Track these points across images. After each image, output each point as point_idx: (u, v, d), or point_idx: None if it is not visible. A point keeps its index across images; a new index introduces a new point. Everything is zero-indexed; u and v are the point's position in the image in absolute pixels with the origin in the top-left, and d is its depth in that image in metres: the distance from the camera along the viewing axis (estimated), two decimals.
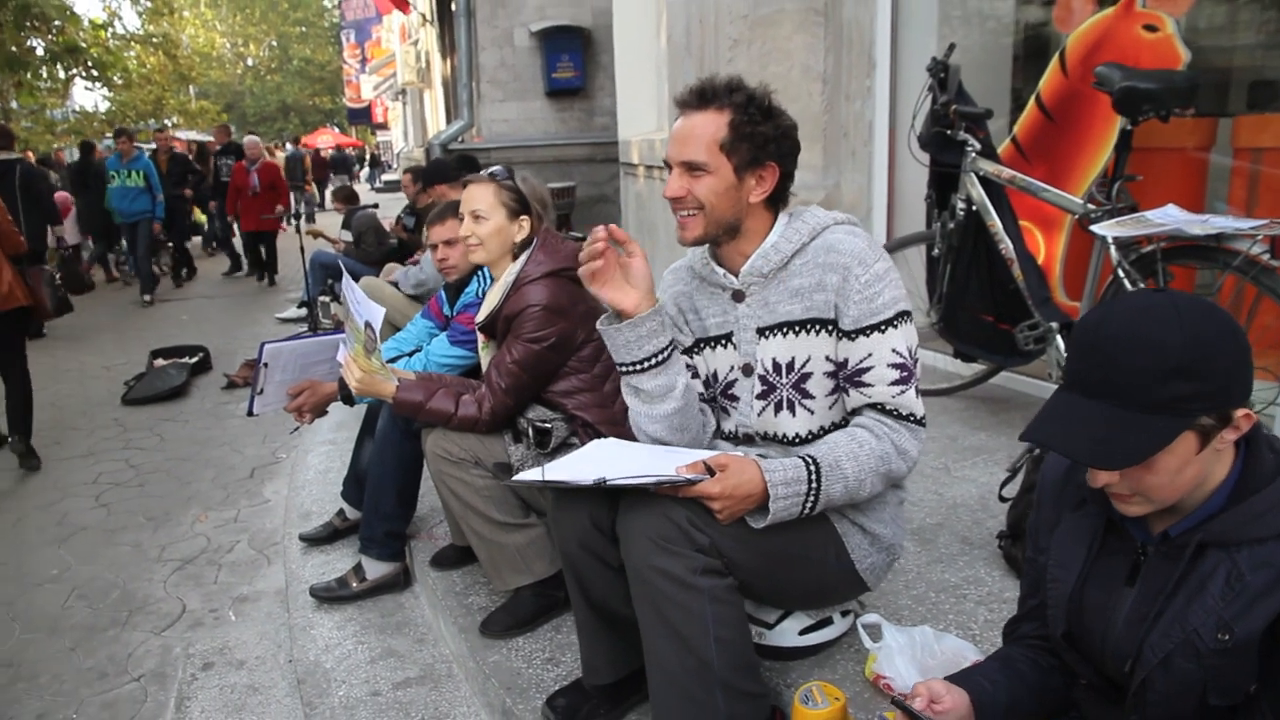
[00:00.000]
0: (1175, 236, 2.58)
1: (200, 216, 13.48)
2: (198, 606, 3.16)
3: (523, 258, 2.41)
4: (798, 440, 1.75)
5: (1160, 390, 1.09)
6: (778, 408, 1.75)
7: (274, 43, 45.13)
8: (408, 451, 2.74)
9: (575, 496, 1.74)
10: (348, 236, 6.98)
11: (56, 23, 17.45)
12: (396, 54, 26.02)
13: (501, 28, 11.11)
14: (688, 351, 1.86)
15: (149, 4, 24.77)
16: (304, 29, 45.42)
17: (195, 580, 3.36)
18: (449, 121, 13.39)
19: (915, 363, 1.68)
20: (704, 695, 1.55)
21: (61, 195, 10.74)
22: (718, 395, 1.85)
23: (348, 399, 2.66)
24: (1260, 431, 1.17)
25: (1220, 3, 3.54)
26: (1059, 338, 3.05)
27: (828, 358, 1.71)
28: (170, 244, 11.11)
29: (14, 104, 19.11)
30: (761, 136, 1.66)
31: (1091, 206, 2.92)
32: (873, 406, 1.68)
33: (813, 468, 1.60)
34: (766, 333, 1.75)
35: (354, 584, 2.89)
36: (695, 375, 1.85)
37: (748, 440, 1.83)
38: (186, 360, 6.43)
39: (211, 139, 13.73)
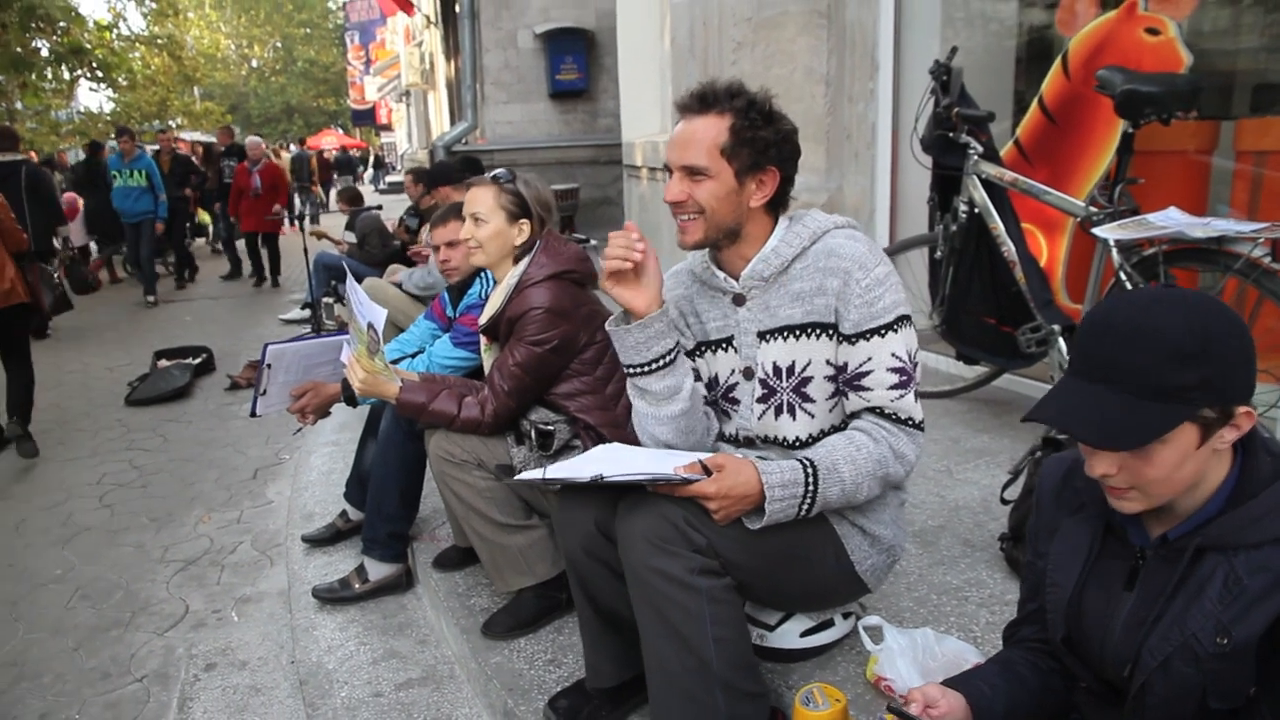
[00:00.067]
0: (1177, 239, 2.59)
1: (205, 217, 13.50)
2: (200, 607, 3.16)
3: (525, 260, 2.41)
4: (798, 443, 1.75)
5: (1165, 378, 1.10)
6: (778, 411, 1.76)
7: (278, 44, 45.20)
8: (410, 453, 2.75)
9: (580, 502, 1.75)
10: (351, 238, 6.99)
11: (62, 24, 17.50)
12: (401, 56, 26.07)
13: (505, 30, 11.14)
14: (689, 355, 1.87)
15: (154, 5, 24.81)
16: (308, 30, 45.48)
17: (198, 581, 3.37)
18: (453, 123, 13.42)
19: (915, 367, 1.69)
20: (704, 695, 1.56)
21: (69, 196, 10.77)
22: (719, 398, 1.86)
23: (351, 400, 2.67)
24: (1258, 435, 1.17)
25: (1223, 6, 3.54)
26: (1061, 340, 3.05)
27: (828, 361, 1.71)
28: (171, 245, 11.07)
29: (19, 105, 19.20)
30: (762, 141, 1.66)
31: (1093, 209, 2.93)
32: (871, 410, 1.68)
33: (810, 470, 1.60)
34: (767, 336, 1.75)
35: (356, 585, 2.90)
36: (697, 378, 1.85)
37: (748, 443, 1.84)
38: (190, 361, 6.44)
39: (215, 140, 13.74)
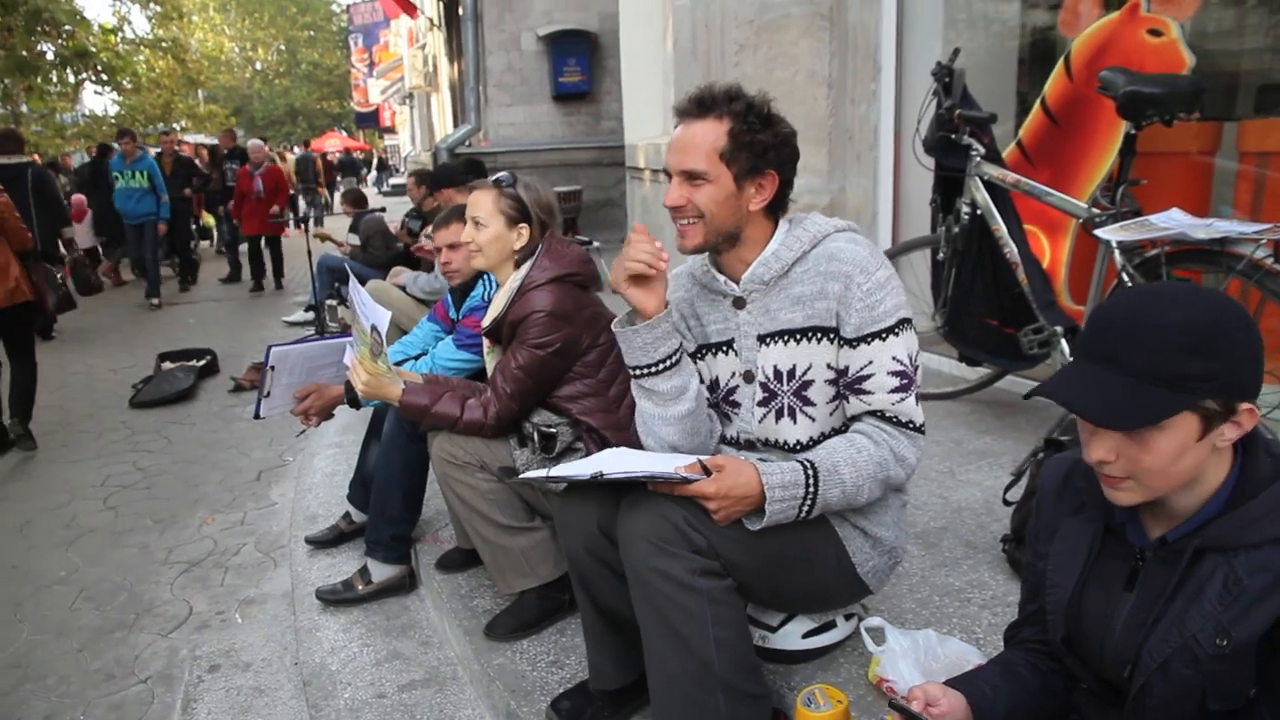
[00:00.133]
0: (1179, 240, 2.59)
1: (210, 220, 13.52)
2: (204, 609, 3.17)
3: (527, 264, 2.42)
4: (799, 447, 1.76)
5: (1170, 365, 1.10)
6: (779, 414, 1.76)
7: (282, 47, 45.32)
8: (413, 455, 2.75)
9: (582, 503, 1.75)
10: (355, 240, 7.00)
11: (67, 27, 17.57)
12: (404, 58, 26.10)
13: (508, 32, 11.16)
14: (691, 357, 1.87)
15: (158, 9, 24.87)
16: (312, 33, 45.59)
17: (202, 582, 3.38)
18: (456, 125, 13.45)
19: (916, 370, 1.69)
20: (705, 696, 1.56)
21: (78, 198, 10.80)
22: (720, 401, 1.86)
23: (354, 402, 2.67)
24: (1259, 436, 1.17)
25: (1226, 7, 3.54)
26: (1064, 341, 3.05)
27: (829, 365, 1.71)
28: (175, 247, 11.07)
29: (24, 108, 19.27)
30: (761, 145, 1.66)
31: (1096, 210, 2.93)
32: (873, 413, 1.68)
33: (810, 472, 1.61)
34: (767, 340, 1.75)
35: (360, 587, 2.90)
36: (700, 380, 1.85)
37: (749, 446, 1.84)
38: (194, 363, 6.45)
39: (218, 143, 13.76)
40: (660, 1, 6.02)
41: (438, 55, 18.94)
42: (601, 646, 1.90)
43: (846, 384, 1.70)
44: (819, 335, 1.70)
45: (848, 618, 2.01)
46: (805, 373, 1.73)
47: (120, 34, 22.32)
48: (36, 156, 12.95)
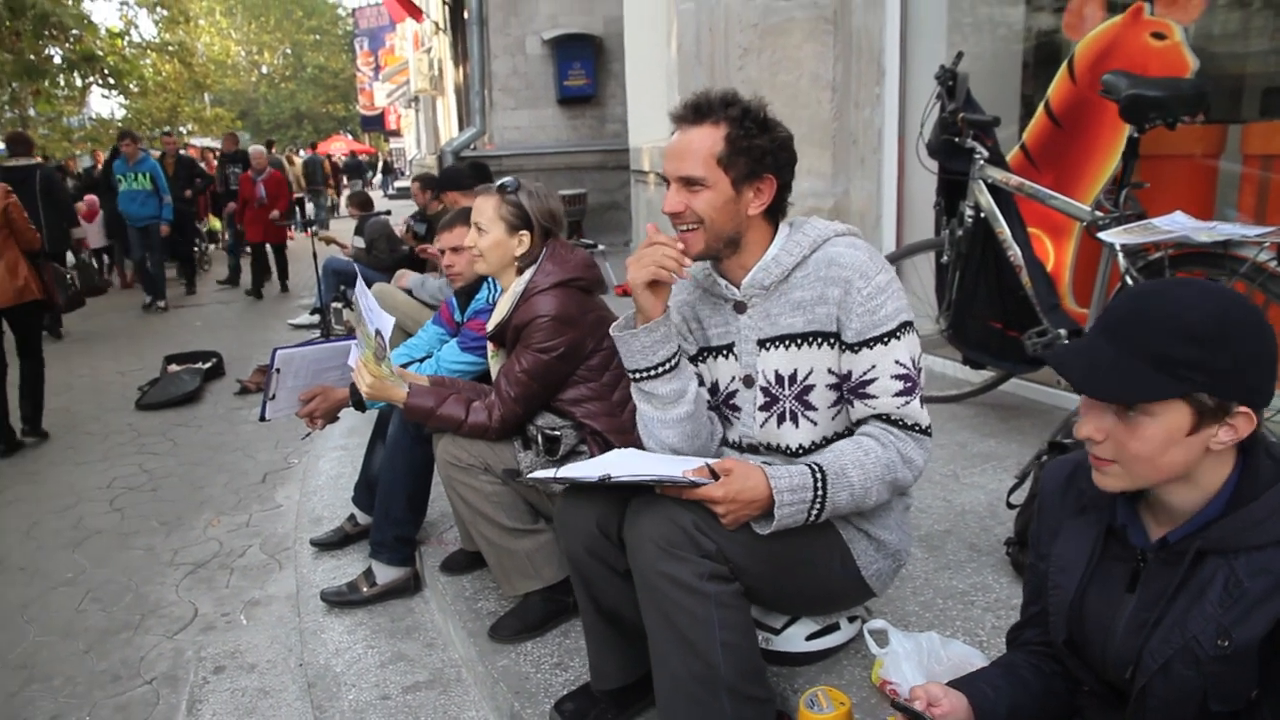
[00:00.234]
0: (1183, 243, 2.58)
1: (216, 223, 13.54)
2: (210, 610, 3.18)
3: (531, 268, 2.43)
4: (801, 451, 1.76)
5: (1169, 349, 1.11)
6: (780, 419, 1.76)
7: (288, 50, 45.47)
8: (418, 457, 2.76)
9: (581, 503, 1.76)
10: (360, 243, 7.02)
11: (74, 31, 17.61)
12: (409, 62, 26.20)
13: (514, 36, 11.18)
14: (692, 360, 1.88)
15: (165, 12, 24.97)
16: (318, 37, 45.75)
17: (207, 584, 3.39)
18: (461, 128, 13.45)
19: (919, 372, 1.69)
20: (710, 699, 1.57)
21: (90, 198, 10.83)
22: (720, 405, 1.86)
23: (359, 405, 2.68)
24: (1260, 438, 1.17)
25: (1230, 10, 3.54)
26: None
27: (830, 370, 1.72)
28: (179, 249, 11.05)
29: (32, 111, 19.32)
30: (758, 149, 1.67)
31: (1099, 214, 2.93)
32: (878, 417, 1.68)
33: (819, 475, 1.60)
34: (767, 344, 1.76)
35: (364, 588, 2.91)
36: (700, 383, 1.86)
37: (752, 450, 1.84)
38: (200, 366, 6.47)
39: (220, 146, 13.76)
40: (665, 5, 6.04)
41: (443, 59, 18.98)
42: (603, 646, 1.91)
43: (850, 389, 1.70)
44: (819, 340, 1.71)
45: (851, 620, 2.01)
46: (806, 377, 1.73)
47: (127, 38, 22.40)
48: (40, 159, 13.04)
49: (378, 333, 2.23)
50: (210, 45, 39.96)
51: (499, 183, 2.51)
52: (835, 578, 1.78)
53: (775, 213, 1.75)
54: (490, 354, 2.63)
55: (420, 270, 5.51)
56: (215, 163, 12.92)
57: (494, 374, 2.54)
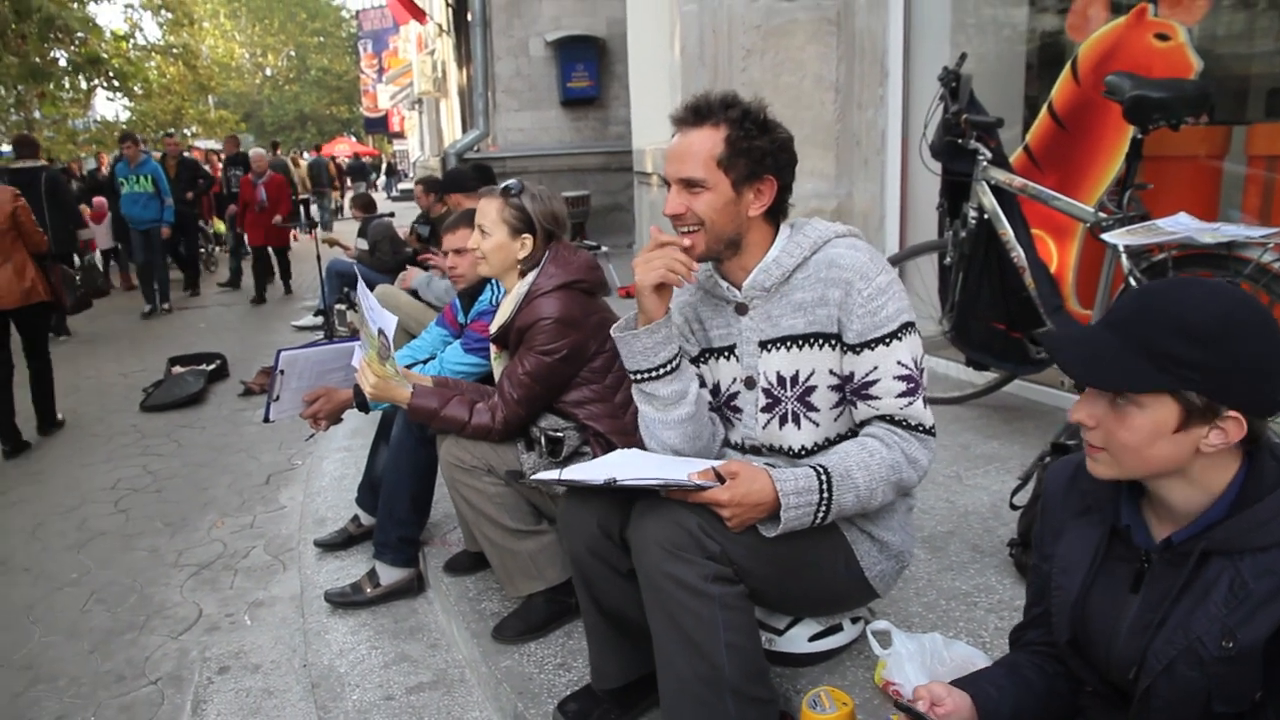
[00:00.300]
0: (1186, 245, 2.58)
1: (220, 226, 13.56)
2: (214, 611, 3.19)
3: (534, 271, 2.43)
4: (803, 452, 1.76)
5: (1163, 343, 1.11)
6: (782, 420, 1.76)
7: (292, 53, 45.56)
8: (422, 458, 2.77)
9: (584, 503, 1.76)
10: (363, 244, 7.03)
11: (79, 34, 17.67)
12: (413, 64, 26.21)
13: (517, 37, 11.19)
14: (694, 361, 1.88)
15: (169, 15, 25.03)
16: (322, 39, 45.86)
17: (212, 585, 3.40)
18: (465, 130, 13.48)
19: (921, 373, 1.68)
20: (714, 700, 1.57)
21: (99, 200, 10.86)
22: (721, 406, 1.87)
23: (363, 406, 2.68)
24: (1266, 440, 1.17)
25: (1234, 11, 3.54)
26: None
27: (831, 371, 1.72)
28: (182, 251, 11.04)
29: (37, 114, 19.39)
30: (758, 150, 1.67)
31: (1103, 215, 2.93)
32: (882, 418, 1.68)
33: (824, 477, 1.60)
34: (769, 346, 1.76)
35: (368, 589, 2.92)
36: (702, 384, 1.86)
37: (754, 451, 1.84)
38: (204, 367, 6.49)
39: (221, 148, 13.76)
40: (667, 7, 6.03)
41: (446, 61, 18.98)
42: (604, 646, 1.91)
43: (853, 390, 1.70)
44: (821, 341, 1.71)
45: (854, 621, 2.01)
46: (808, 379, 1.73)
47: (132, 41, 22.45)
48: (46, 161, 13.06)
49: (380, 332, 2.24)
50: (214, 48, 40.07)
51: (502, 185, 2.52)
52: (839, 579, 1.78)
53: (776, 214, 1.76)
54: (493, 356, 2.63)
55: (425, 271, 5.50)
56: (220, 165, 12.94)
57: (497, 376, 2.54)
